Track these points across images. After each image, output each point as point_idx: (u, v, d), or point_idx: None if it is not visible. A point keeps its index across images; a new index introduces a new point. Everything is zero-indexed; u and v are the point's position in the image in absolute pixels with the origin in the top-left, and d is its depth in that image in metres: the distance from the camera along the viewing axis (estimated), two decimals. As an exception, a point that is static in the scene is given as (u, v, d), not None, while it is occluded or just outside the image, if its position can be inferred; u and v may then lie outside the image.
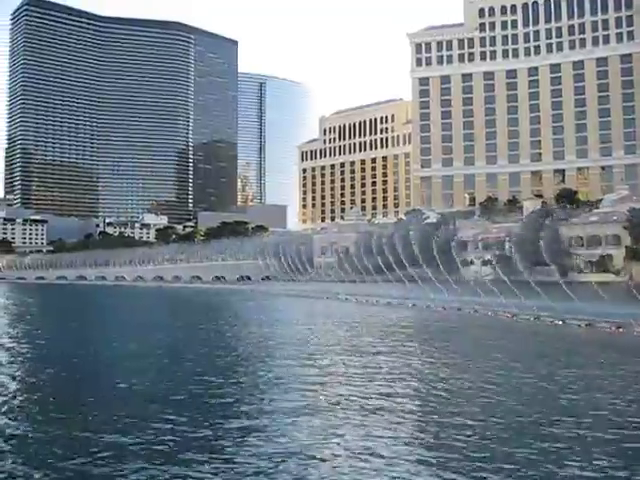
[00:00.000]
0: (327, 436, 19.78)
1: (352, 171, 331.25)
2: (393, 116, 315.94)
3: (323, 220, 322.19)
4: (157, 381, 29.47)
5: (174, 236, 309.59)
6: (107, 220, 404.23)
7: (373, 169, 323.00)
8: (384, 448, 18.35)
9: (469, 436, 19.65)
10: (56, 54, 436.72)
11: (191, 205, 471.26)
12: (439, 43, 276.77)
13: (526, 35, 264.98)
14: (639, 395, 25.72)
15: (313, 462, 17.32)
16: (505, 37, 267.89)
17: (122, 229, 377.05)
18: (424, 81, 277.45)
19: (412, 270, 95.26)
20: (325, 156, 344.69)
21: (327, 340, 45.23)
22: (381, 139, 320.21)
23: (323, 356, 36.38)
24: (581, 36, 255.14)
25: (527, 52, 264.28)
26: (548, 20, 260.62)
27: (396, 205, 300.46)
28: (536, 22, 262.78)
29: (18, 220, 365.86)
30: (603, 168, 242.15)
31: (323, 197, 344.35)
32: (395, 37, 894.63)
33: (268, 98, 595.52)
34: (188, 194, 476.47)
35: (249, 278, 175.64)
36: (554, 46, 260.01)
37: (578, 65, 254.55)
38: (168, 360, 36.19)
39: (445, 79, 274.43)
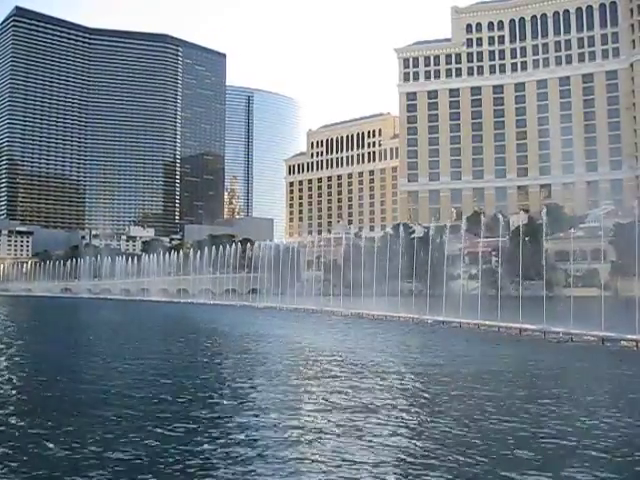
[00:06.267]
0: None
1: (339, 185, 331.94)
2: (380, 130, 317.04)
3: (310, 234, 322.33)
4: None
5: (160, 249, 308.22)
6: (93, 232, 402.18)
7: (360, 183, 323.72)
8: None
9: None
10: (43, 65, 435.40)
11: (178, 218, 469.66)
12: (426, 58, 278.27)
13: (513, 51, 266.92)
14: None
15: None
16: (492, 53, 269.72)
17: (108, 241, 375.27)
18: (411, 96, 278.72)
19: (401, 284, 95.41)
20: (312, 170, 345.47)
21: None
22: (368, 153, 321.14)
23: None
24: (567, 52, 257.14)
25: (514, 68, 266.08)
26: (535, 36, 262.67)
27: (383, 219, 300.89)
28: (523, 38, 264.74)
29: (4, 231, 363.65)
30: (589, 183, 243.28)
31: (310, 211, 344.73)
32: (383, 52, 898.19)
33: (256, 111, 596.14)
34: (175, 207, 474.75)
35: (234, 291, 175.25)
36: (540, 62, 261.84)
37: (564, 81, 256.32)
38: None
39: (432, 94, 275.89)
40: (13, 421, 22.89)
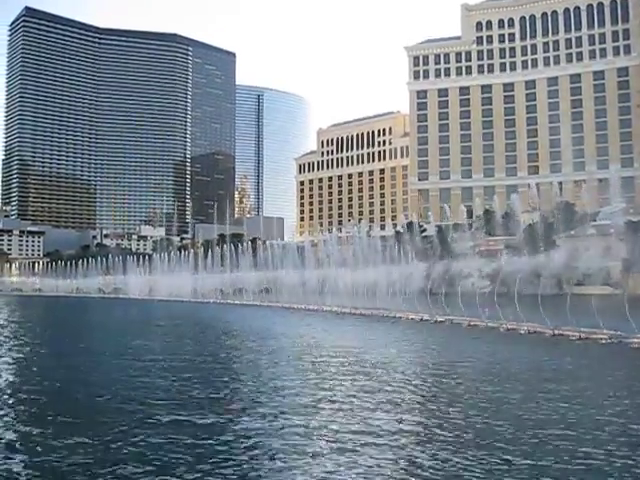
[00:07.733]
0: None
1: (349, 184, 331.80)
2: (390, 129, 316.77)
3: (321, 232, 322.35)
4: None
5: (171, 248, 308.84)
6: (104, 232, 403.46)
7: (370, 182, 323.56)
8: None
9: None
10: (54, 65, 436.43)
11: (188, 217, 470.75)
12: (436, 56, 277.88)
13: (523, 48, 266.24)
14: None
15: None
16: (502, 50, 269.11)
17: (119, 241, 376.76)
18: (422, 94, 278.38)
19: (412, 283, 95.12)
20: (322, 168, 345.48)
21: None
22: (379, 152, 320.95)
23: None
24: (578, 49, 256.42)
25: (524, 65, 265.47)
26: (545, 33, 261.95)
27: (393, 218, 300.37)
28: (533, 35, 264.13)
29: (15, 232, 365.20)
30: (600, 180, 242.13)
31: (320, 209, 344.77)
32: (393, 50, 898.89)
33: (266, 110, 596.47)
34: (185, 206, 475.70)
35: (245, 290, 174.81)
36: (551, 59, 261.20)
37: (575, 78, 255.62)
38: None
39: (442, 92, 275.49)
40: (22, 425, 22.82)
